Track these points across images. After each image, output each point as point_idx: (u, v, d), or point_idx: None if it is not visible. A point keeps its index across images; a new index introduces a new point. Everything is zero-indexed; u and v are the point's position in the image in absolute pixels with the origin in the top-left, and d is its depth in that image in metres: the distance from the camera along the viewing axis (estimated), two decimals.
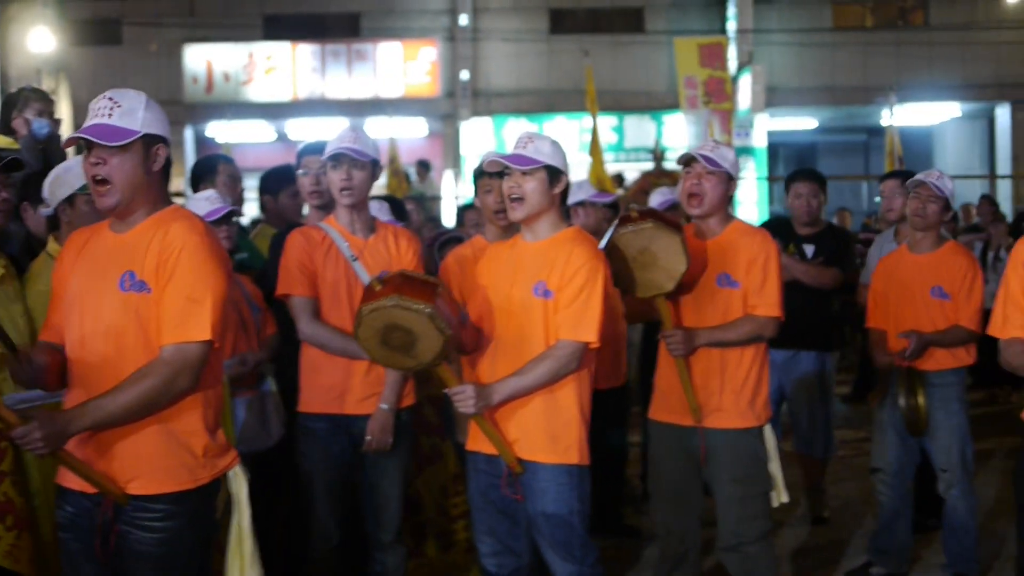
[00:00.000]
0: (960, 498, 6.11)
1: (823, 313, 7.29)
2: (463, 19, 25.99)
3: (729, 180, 5.08)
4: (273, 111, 25.60)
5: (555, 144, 4.52)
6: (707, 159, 5.03)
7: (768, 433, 5.15)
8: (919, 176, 6.18)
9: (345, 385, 4.89)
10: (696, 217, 5.13)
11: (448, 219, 16.65)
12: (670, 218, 4.98)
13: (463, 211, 8.42)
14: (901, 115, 19.38)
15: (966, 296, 6.02)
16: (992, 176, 27.12)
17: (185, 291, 3.47)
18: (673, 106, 24.45)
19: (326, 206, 5.35)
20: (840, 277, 7.15)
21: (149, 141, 3.56)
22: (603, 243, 4.75)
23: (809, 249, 7.18)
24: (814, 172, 7.40)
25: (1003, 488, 8.04)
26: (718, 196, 5.06)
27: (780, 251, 6.89)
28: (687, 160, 5.11)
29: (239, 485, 3.73)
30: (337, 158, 4.86)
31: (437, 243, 6.78)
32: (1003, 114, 27.81)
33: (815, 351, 7.24)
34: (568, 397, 4.44)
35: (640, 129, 26.15)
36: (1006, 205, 21.71)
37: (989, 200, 14.51)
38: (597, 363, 4.64)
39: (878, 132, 25.13)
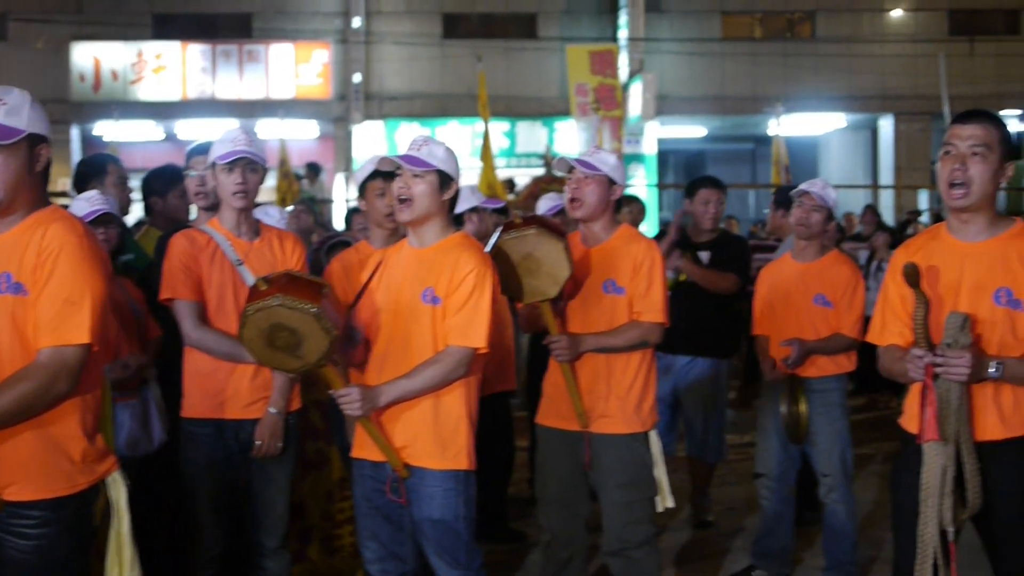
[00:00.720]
0: (840, 502, 6.21)
1: (722, 320, 7.37)
2: (356, 22, 25.91)
3: (611, 184, 5.11)
4: (162, 111, 25.28)
5: (449, 151, 4.52)
6: (585, 164, 5.07)
7: (654, 438, 5.20)
8: (803, 186, 6.29)
9: (231, 390, 4.83)
10: (579, 222, 5.16)
11: (339, 223, 16.57)
12: (554, 224, 5.01)
13: (352, 215, 8.37)
14: (788, 125, 19.74)
15: (848, 304, 6.12)
16: (875, 186, 27.68)
17: (63, 293, 3.40)
18: (565, 113, 24.62)
19: (213, 207, 5.27)
20: (738, 283, 7.23)
21: (33, 141, 3.49)
22: (488, 248, 4.75)
23: (705, 256, 7.24)
24: (717, 179, 7.47)
25: (881, 492, 8.20)
26: (598, 200, 5.09)
27: (680, 256, 7.03)
28: (567, 166, 5.15)
29: (118, 491, 3.67)
30: (234, 161, 4.81)
31: (325, 247, 6.73)
32: (886, 125, 28.43)
33: (712, 357, 7.33)
34: (456, 403, 4.43)
35: (532, 135, 26.29)
36: (888, 215, 22.18)
37: (872, 210, 14.80)
38: (485, 368, 4.64)
39: (765, 141, 25.55)
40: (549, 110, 26.08)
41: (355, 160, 25.42)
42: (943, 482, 3.84)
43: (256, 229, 5.01)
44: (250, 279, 4.75)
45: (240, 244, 4.91)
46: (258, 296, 4.07)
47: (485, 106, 17.31)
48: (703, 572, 6.77)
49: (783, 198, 7.86)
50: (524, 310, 5.19)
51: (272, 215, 6.31)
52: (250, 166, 4.84)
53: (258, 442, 4.84)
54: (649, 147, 26.42)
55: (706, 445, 7.44)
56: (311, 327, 4.04)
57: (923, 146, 27.75)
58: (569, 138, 24.80)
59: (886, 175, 28.20)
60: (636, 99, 24.94)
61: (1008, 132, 4.00)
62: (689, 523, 7.64)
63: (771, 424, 6.28)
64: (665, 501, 5.28)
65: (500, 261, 4.74)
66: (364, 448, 4.51)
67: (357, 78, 25.87)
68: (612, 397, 5.06)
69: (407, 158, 4.41)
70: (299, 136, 25.13)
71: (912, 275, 3.85)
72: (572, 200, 5.10)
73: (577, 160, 5.12)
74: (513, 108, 25.57)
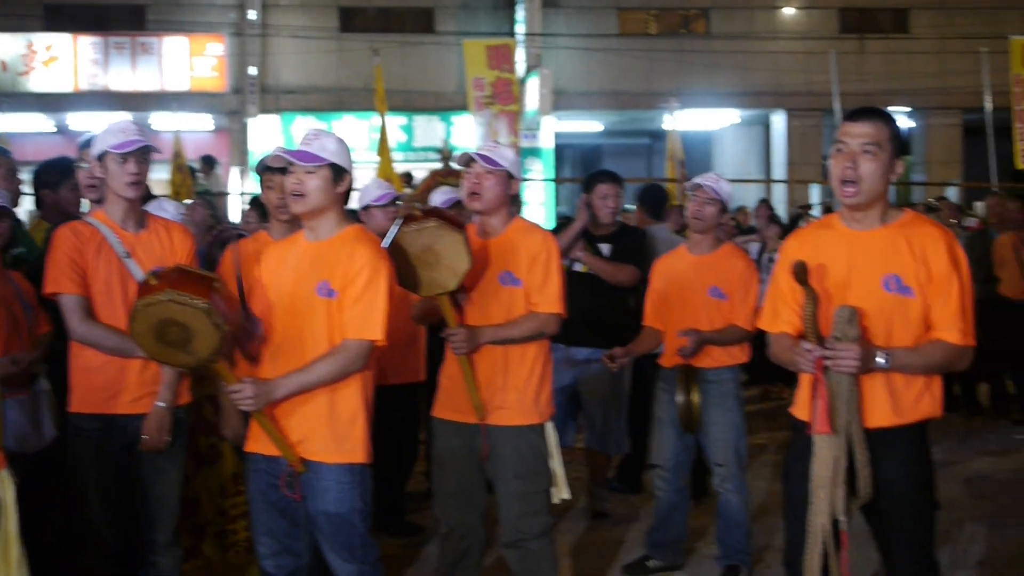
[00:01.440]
0: (734, 492, 6.30)
1: (621, 312, 7.41)
2: (251, 14, 25.64)
3: (509, 179, 5.13)
4: (53, 103, 24.81)
5: (341, 142, 4.49)
6: (485, 158, 5.09)
7: (550, 430, 5.22)
8: (696, 179, 6.37)
9: (119, 384, 4.76)
10: (478, 214, 5.17)
11: (235, 216, 16.41)
12: (453, 217, 5.01)
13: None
14: (683, 120, 19.86)
15: (742, 296, 6.21)
16: (768, 181, 28.03)
17: None
18: (462, 107, 24.58)
19: (103, 200, 5.18)
20: (638, 274, 7.27)
21: None
22: (386, 241, 4.74)
23: (606, 248, 7.27)
24: (615, 174, 7.50)
25: (774, 481, 8.31)
26: (497, 194, 5.11)
27: (582, 248, 7.06)
28: (467, 160, 5.16)
29: (6, 489, 3.61)
30: (130, 152, 4.74)
31: (219, 240, 6.66)
32: (779, 121, 28.83)
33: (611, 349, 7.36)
34: (353, 396, 4.41)
35: (429, 129, 26.25)
36: (781, 208, 22.47)
37: (765, 204, 14.98)
38: (391, 358, 4.63)
39: (661, 136, 25.75)
40: (446, 104, 26.05)
41: (251, 153, 25.16)
42: (834, 472, 3.91)
43: (143, 221, 4.94)
44: (137, 272, 4.69)
45: (126, 236, 4.84)
46: (148, 291, 4.02)
47: (382, 100, 17.23)
48: (599, 563, 6.81)
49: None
50: (419, 302, 5.18)
51: (168, 209, 6.24)
52: (145, 157, 4.79)
53: (145, 436, 4.78)
54: (546, 141, 26.50)
55: (607, 437, 7.46)
56: (202, 322, 4.00)
57: (815, 141, 28.18)
58: (467, 132, 24.77)
59: (779, 170, 28.58)
60: (533, 94, 25.00)
61: (898, 129, 4.08)
62: (585, 514, 7.68)
63: (666, 415, 6.35)
64: (561, 492, 5.30)
65: (399, 254, 4.73)
66: (258, 442, 4.47)
67: (253, 71, 25.59)
68: (509, 389, 5.07)
69: (298, 153, 4.38)
70: (193, 129, 24.80)
71: (800, 272, 3.91)
72: (472, 194, 5.11)
73: (478, 154, 5.13)
74: (410, 102, 25.50)
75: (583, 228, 7.11)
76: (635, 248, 7.41)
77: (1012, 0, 28.64)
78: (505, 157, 5.13)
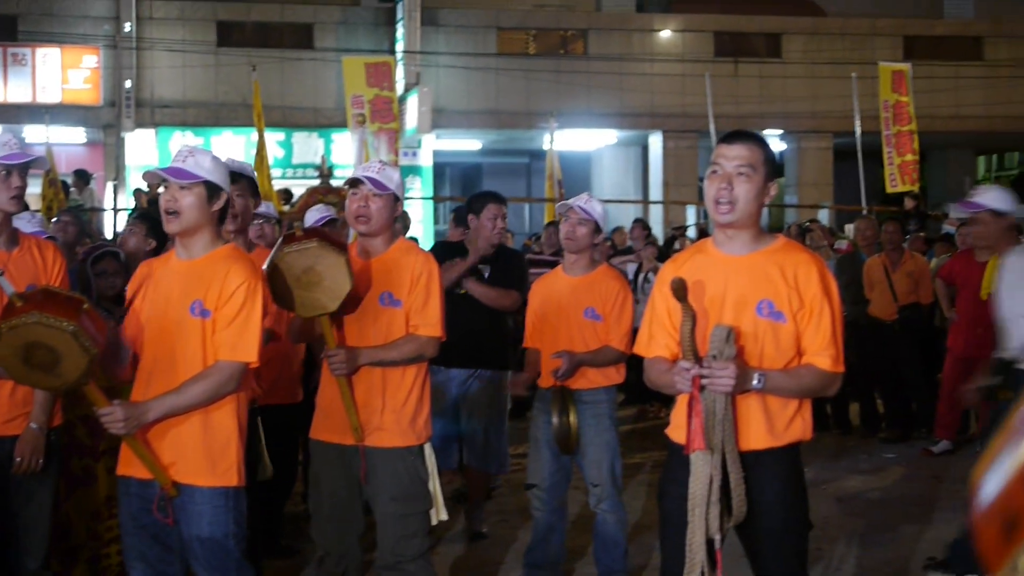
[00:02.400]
0: (610, 511, 6.32)
1: (500, 332, 7.42)
2: (127, 27, 25.25)
3: (395, 201, 5.12)
4: None
5: (216, 160, 4.44)
6: (374, 181, 5.06)
7: (428, 451, 5.20)
8: (568, 201, 6.40)
9: None
10: (362, 236, 5.14)
11: (109, 231, 16.11)
12: (335, 237, 4.98)
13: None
14: (561, 140, 20.01)
15: (617, 317, 6.24)
16: (645, 201, 28.36)
17: None
18: (341, 124, 24.48)
19: None
20: (519, 300, 7.29)
21: None
22: (267, 263, 4.68)
23: (485, 270, 7.27)
24: (500, 195, 7.50)
25: (650, 500, 8.38)
26: (384, 217, 5.09)
27: (466, 274, 7.05)
28: (354, 182, 5.13)
29: None
30: (14, 165, 4.64)
31: (91, 257, 6.52)
32: (655, 142, 29.20)
33: (492, 369, 7.37)
34: (226, 418, 4.36)
35: (308, 146, 26.13)
36: (658, 229, 22.74)
37: (642, 224, 15.11)
38: (271, 378, 4.57)
39: (540, 155, 25.92)
40: (325, 121, 25.94)
41: (128, 168, 24.78)
42: (709, 491, 3.93)
43: (15, 238, 4.84)
44: (10, 289, 4.58)
45: (0, 255, 4.73)
46: (13, 313, 3.92)
47: (260, 116, 17.13)
48: None
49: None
50: (296, 322, 5.13)
51: (23, 217, 6.09)
52: (24, 171, 4.70)
53: (18, 459, 4.67)
54: (425, 159, 26.53)
55: (488, 456, 7.46)
56: (69, 345, 3.91)
57: (690, 163, 28.59)
58: (346, 149, 24.68)
59: (656, 190, 28.94)
60: (412, 112, 25.01)
61: (771, 153, 4.15)
62: (463, 535, 7.66)
63: (542, 435, 6.35)
64: (440, 514, 5.29)
65: (279, 274, 4.68)
66: (130, 466, 4.38)
67: (128, 84, 25.20)
68: (387, 411, 5.04)
69: (172, 170, 4.32)
70: (67, 142, 24.35)
71: (679, 289, 3.94)
72: (358, 216, 5.08)
73: (366, 176, 5.10)
74: (289, 118, 25.36)
75: (477, 261, 7.11)
76: (514, 270, 7.42)
77: (881, 28, 29.43)
78: (392, 179, 5.12)
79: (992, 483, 0.88)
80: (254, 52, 24.68)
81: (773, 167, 4.13)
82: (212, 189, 4.37)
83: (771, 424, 4.05)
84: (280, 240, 4.88)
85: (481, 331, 7.19)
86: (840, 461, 10.23)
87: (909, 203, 17.93)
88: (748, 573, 4.29)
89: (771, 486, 4.06)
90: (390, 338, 5.03)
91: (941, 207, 22.09)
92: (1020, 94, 30.34)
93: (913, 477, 9.58)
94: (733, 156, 4.04)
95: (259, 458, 5.45)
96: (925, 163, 31.36)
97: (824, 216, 24.23)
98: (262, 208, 7.13)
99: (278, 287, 4.64)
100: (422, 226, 24.55)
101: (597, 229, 6.35)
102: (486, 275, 7.26)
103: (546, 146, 19.23)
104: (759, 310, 4.04)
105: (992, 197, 7.14)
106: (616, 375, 6.37)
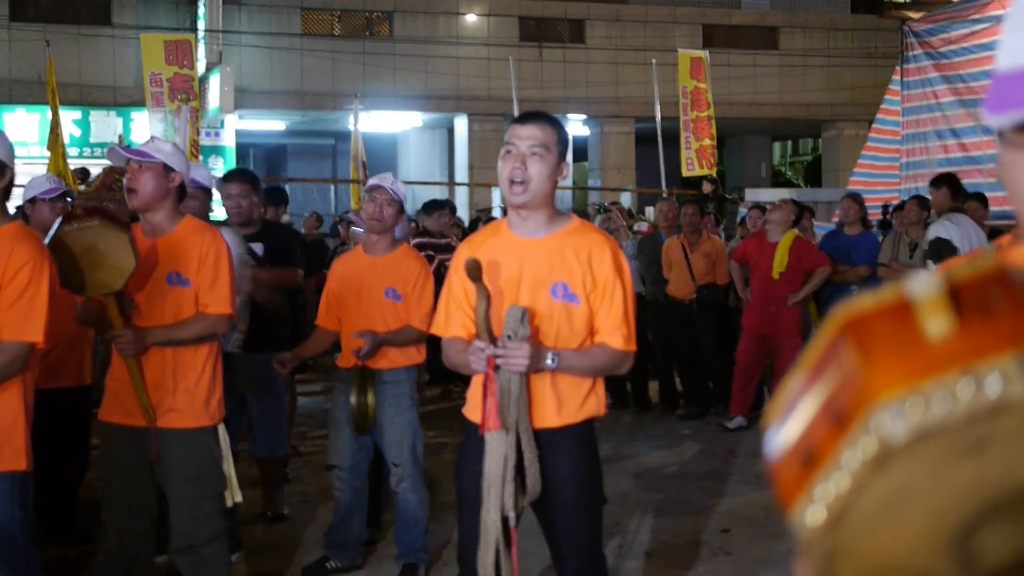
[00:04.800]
0: (411, 491, 6.34)
1: (280, 313, 7.35)
2: None
3: (167, 172, 4.98)
4: None
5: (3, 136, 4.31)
6: (138, 153, 4.96)
7: (222, 432, 5.14)
8: (374, 180, 6.38)
9: None
10: (139, 212, 5.02)
11: None
12: (117, 215, 4.86)
13: None
14: (367, 122, 19.91)
15: (417, 298, 6.25)
16: (451, 183, 28.44)
17: None
18: (140, 103, 23.91)
19: None
20: (299, 275, 7.22)
21: None
22: (47, 239, 4.56)
23: (258, 248, 7.19)
24: (246, 173, 7.42)
25: (452, 479, 8.41)
26: (153, 189, 4.94)
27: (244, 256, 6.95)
28: (123, 160, 5.00)
29: None
30: None
31: None
32: (461, 125, 29.30)
33: (271, 351, 7.28)
34: (12, 401, 4.23)
35: (106, 124, 25.48)
36: (464, 212, 22.83)
37: (449, 206, 15.15)
38: (60, 361, 4.45)
39: (345, 137, 25.75)
40: (124, 100, 25.33)
41: None
42: (504, 470, 3.98)
43: None
44: None
45: None
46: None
47: (55, 93, 16.64)
48: (277, 565, 6.73)
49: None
50: (83, 303, 5.00)
51: None
52: None
53: None
54: (228, 140, 26.10)
55: (274, 440, 7.38)
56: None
57: (495, 146, 28.32)
58: (145, 128, 24.13)
59: (461, 173, 29.05)
60: (214, 91, 24.59)
61: (565, 133, 4.20)
62: (263, 517, 7.58)
63: (342, 416, 6.34)
64: (235, 495, 5.22)
65: (62, 253, 4.55)
66: None
67: None
68: (179, 391, 4.95)
69: None
70: None
71: (474, 270, 3.96)
72: (129, 190, 4.95)
73: (130, 151, 4.99)
74: (86, 96, 24.70)
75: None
76: (286, 245, 7.39)
77: (681, 16, 30.06)
78: (161, 150, 5.00)
79: (791, 426, 0.91)
80: (49, 27, 23.92)
81: (566, 147, 4.19)
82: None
83: (565, 402, 4.11)
84: (60, 219, 4.76)
85: (262, 312, 7.09)
86: (639, 438, 10.45)
87: (707, 187, 18.35)
88: (544, 549, 4.36)
89: (566, 463, 4.12)
90: (179, 318, 4.93)
91: (738, 191, 22.66)
92: (813, 83, 31.45)
93: (709, 452, 9.84)
94: (527, 136, 4.08)
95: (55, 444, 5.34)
96: (723, 149, 32.25)
97: (627, 199, 24.63)
98: (52, 184, 6.95)
99: (63, 266, 4.51)
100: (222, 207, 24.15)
101: (401, 209, 6.36)
102: (261, 252, 7.18)
103: (351, 128, 19.12)
104: (554, 292, 4.09)
105: None
106: (417, 355, 6.39)
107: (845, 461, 0.87)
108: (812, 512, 0.89)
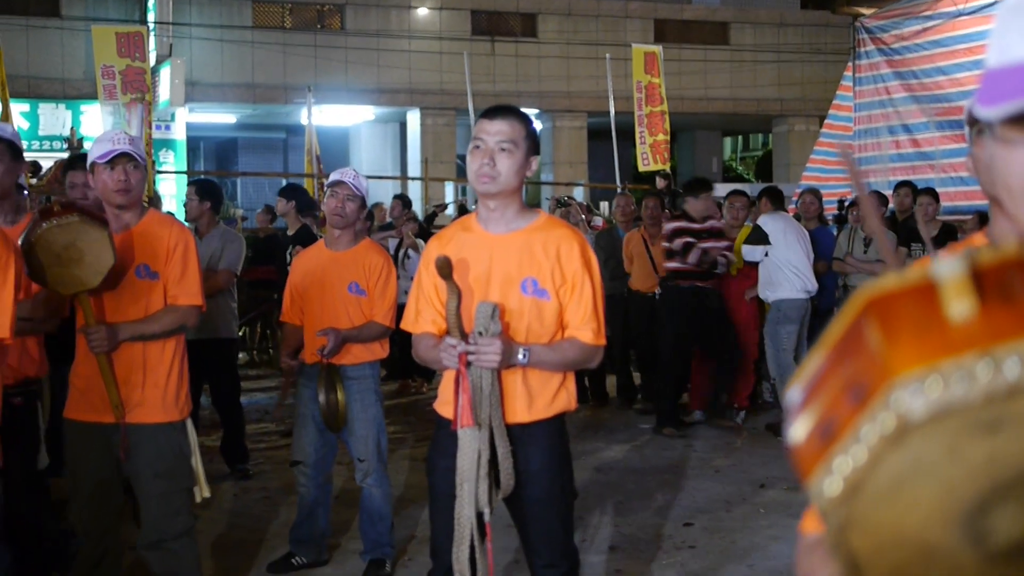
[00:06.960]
0: (376, 486, 6.34)
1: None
2: None
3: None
4: None
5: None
6: (138, 152, 4.94)
7: (191, 427, 5.12)
8: (336, 175, 6.36)
9: None
10: (120, 209, 4.99)
11: None
12: (95, 211, 4.83)
13: None
14: (319, 116, 19.83)
15: (381, 292, 6.25)
16: (404, 178, 28.39)
17: None
18: (90, 95, 23.70)
19: None
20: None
21: None
22: (24, 236, 4.52)
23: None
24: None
25: (413, 473, 8.45)
26: (143, 188, 4.97)
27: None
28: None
29: None
30: None
31: None
32: (414, 119, 29.26)
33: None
34: None
35: (55, 117, 25.27)
36: (417, 205, 22.81)
37: (401, 199, 15.12)
38: (24, 356, 4.42)
39: (297, 131, 25.71)
40: (74, 92, 25.10)
41: None
42: (478, 466, 3.99)
43: None
44: None
45: None
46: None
47: (3, 85, 16.45)
48: (241, 562, 6.71)
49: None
50: (44, 297, 4.94)
51: None
52: None
53: None
54: (179, 133, 25.93)
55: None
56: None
57: (448, 140, 28.76)
58: (96, 121, 23.93)
59: (414, 167, 29.00)
60: (165, 84, 24.41)
61: (533, 128, 4.21)
62: (228, 513, 7.56)
63: (308, 412, 6.33)
64: (203, 491, 5.22)
65: (39, 250, 4.52)
66: None
67: None
68: (148, 386, 4.92)
69: None
70: None
71: (444, 267, 3.97)
72: (123, 190, 4.92)
73: (136, 151, 4.98)
74: (35, 89, 24.47)
75: None
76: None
77: (633, 11, 30.15)
78: (140, 147, 4.99)
79: (813, 402, 0.95)
80: None
81: (534, 142, 4.20)
82: None
83: (536, 397, 4.13)
84: (36, 214, 4.72)
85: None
86: (598, 432, 10.47)
87: (661, 182, 18.38)
88: (510, 542, 4.38)
89: (537, 457, 4.14)
90: (149, 311, 4.91)
91: None
92: (763, 78, 31.65)
93: (667, 446, 9.88)
94: (495, 131, 4.08)
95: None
96: (674, 144, 32.36)
97: (579, 194, 24.69)
98: None
99: (36, 264, 4.48)
100: (175, 201, 24.00)
101: (363, 204, 6.36)
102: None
103: (304, 121, 19.05)
104: (524, 288, 4.10)
105: None
106: (380, 350, 6.39)
107: (864, 435, 0.90)
108: (829, 483, 0.92)
